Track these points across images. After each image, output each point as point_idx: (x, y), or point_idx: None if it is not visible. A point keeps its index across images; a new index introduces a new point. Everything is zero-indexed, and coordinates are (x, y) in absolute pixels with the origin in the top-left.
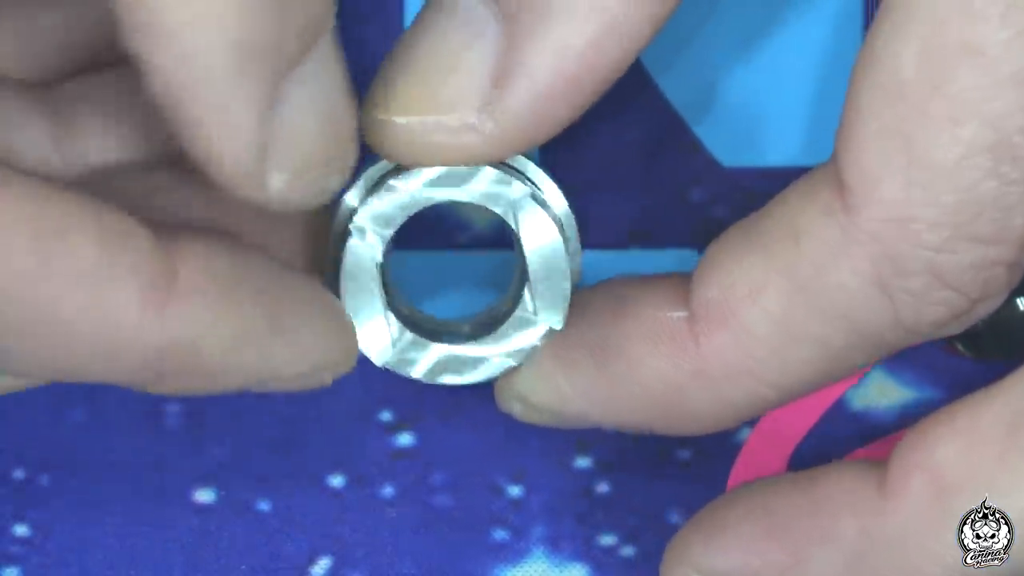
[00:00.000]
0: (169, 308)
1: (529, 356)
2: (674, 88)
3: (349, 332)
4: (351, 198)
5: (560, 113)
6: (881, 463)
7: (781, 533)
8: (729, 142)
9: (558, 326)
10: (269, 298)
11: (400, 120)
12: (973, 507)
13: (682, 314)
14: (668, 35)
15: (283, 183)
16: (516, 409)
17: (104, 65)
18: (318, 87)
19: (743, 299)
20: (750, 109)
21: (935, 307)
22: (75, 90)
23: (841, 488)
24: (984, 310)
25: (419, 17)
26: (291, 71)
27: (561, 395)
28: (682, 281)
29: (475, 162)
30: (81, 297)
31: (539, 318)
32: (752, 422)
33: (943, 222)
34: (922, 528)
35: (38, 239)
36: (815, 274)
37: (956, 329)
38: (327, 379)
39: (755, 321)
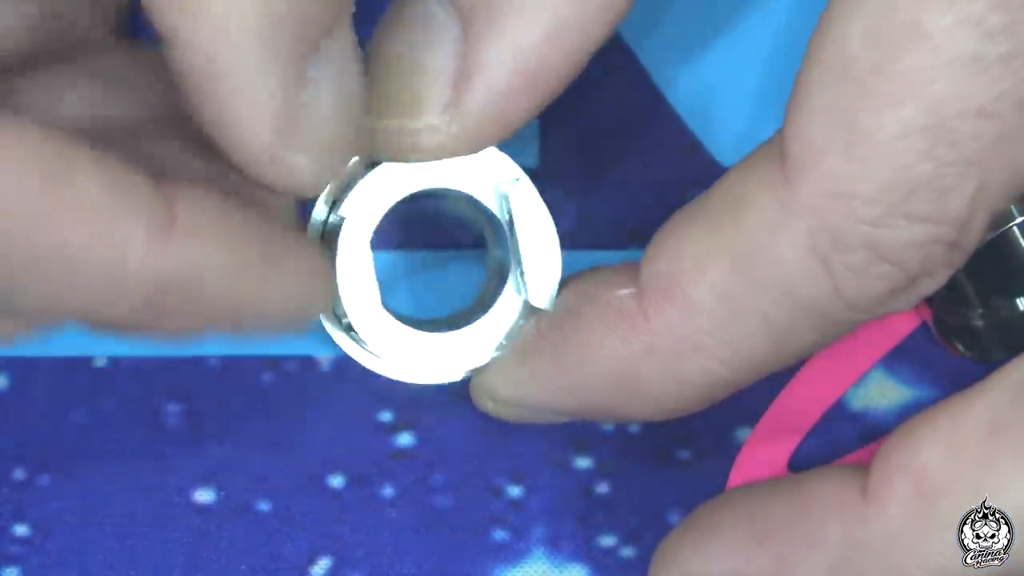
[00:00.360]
0: (172, 244)
1: (513, 336)
2: (674, 88)
3: (327, 273)
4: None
5: (522, 108)
6: (866, 467)
7: (768, 538)
8: (729, 142)
9: (546, 306)
10: (259, 237)
11: (371, 124)
12: (957, 510)
13: (631, 291)
14: (668, 35)
15: (304, 165)
16: (489, 406)
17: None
18: (338, 70)
19: (689, 272)
20: (750, 109)
21: (874, 281)
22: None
23: (825, 493)
24: (928, 286)
25: (384, 21)
26: (315, 51)
27: (524, 387)
28: (635, 265)
29: (445, 158)
30: (89, 234)
31: (528, 299)
32: (752, 422)
33: (878, 198)
34: (906, 532)
35: (45, 177)
36: (755, 247)
37: (901, 305)
38: (304, 324)
39: (700, 294)
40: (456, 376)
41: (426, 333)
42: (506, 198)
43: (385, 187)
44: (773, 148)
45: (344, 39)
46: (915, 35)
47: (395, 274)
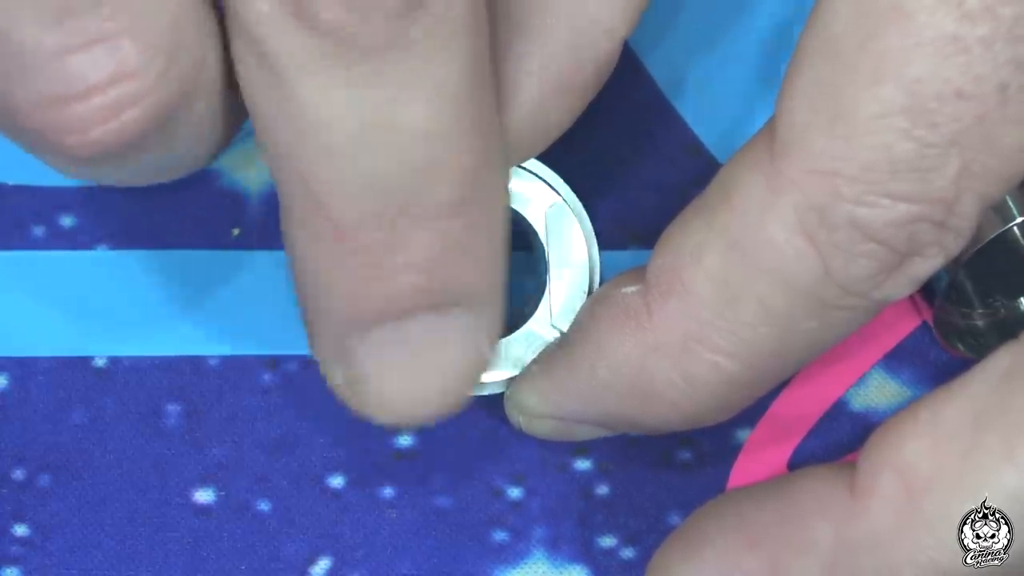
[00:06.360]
0: None
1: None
2: (675, 89)
3: None
4: None
5: (557, 114)
6: (854, 465)
7: (759, 543)
8: (729, 143)
9: (566, 329)
10: None
11: None
12: (943, 505)
13: (637, 288)
14: (671, 35)
15: None
16: (521, 421)
17: None
18: None
19: (686, 263)
20: (751, 110)
21: (862, 260)
22: None
23: (814, 493)
24: (922, 268)
25: None
26: None
27: (547, 399)
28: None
29: None
30: None
31: (553, 325)
32: (752, 422)
33: (860, 177)
34: (895, 528)
35: None
36: (746, 228)
37: (896, 289)
38: None
39: (697, 283)
40: (490, 389)
41: None
42: (542, 220)
43: None
44: (764, 132)
45: None
46: (897, 14)
47: None
